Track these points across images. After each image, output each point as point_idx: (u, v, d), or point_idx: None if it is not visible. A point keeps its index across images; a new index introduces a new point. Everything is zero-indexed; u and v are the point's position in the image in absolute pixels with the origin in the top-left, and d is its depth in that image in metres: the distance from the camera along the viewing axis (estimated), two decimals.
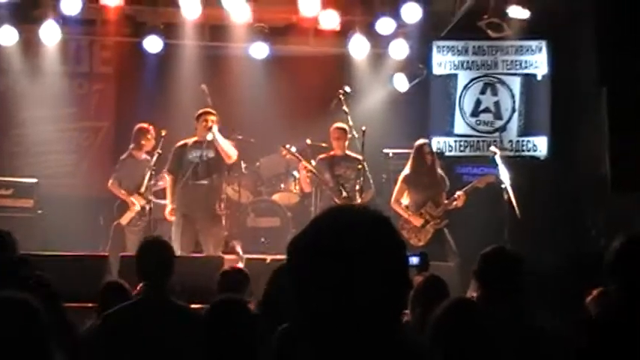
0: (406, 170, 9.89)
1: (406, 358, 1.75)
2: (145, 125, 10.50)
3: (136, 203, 10.14)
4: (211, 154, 9.74)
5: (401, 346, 1.71)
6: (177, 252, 9.20)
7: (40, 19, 11.16)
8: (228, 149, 9.77)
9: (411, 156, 9.94)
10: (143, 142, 10.40)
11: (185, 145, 9.86)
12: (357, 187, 9.90)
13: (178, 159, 9.79)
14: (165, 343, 4.52)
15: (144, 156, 10.39)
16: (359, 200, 9.72)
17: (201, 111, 9.96)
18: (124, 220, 10.26)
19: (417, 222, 9.77)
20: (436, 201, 9.80)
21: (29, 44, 11.64)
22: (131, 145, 10.49)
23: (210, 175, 9.76)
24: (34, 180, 10.89)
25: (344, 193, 9.96)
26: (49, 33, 11.24)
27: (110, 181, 10.27)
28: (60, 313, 4.54)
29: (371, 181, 10.21)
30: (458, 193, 9.79)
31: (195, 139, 9.87)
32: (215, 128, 9.66)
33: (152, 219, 10.01)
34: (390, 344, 1.68)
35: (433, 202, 9.79)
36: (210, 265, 8.58)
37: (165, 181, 10.10)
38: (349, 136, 10.24)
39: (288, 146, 10.42)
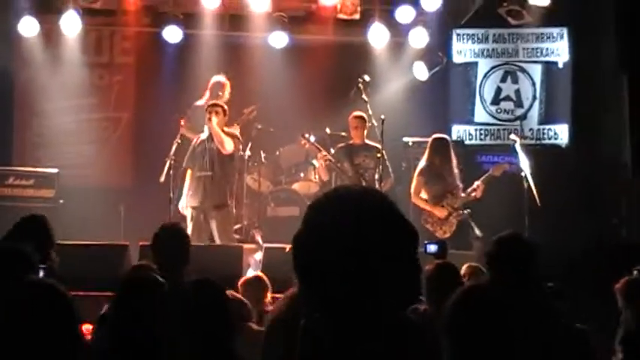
0: (422, 163, 9.81)
1: (408, 341, 1.73)
2: (223, 80, 10.55)
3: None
4: (214, 146, 9.71)
5: (403, 330, 1.69)
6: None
7: (61, 10, 11.22)
8: (222, 140, 9.63)
9: (427, 149, 9.88)
10: (220, 93, 10.47)
11: (197, 138, 9.88)
12: (377, 176, 9.89)
13: (192, 153, 9.81)
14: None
15: None
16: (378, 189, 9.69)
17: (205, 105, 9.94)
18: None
19: (441, 214, 9.68)
20: (454, 193, 9.73)
21: (50, 35, 11.70)
22: (206, 96, 10.54)
23: (213, 167, 9.70)
24: (55, 170, 10.94)
25: (363, 182, 9.94)
26: (70, 23, 11.29)
27: (183, 122, 10.04)
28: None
29: (390, 169, 10.18)
30: (476, 183, 9.71)
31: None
32: (214, 120, 9.60)
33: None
34: (395, 328, 1.67)
35: (451, 194, 9.72)
36: (229, 254, 8.62)
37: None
38: (368, 124, 10.21)
39: (307, 135, 10.41)
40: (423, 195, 9.79)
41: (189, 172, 9.86)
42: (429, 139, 9.94)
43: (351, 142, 10.32)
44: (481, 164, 11.24)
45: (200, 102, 10.63)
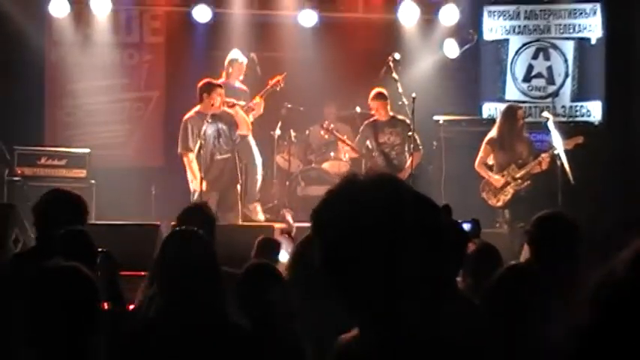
0: (492, 132, 9.77)
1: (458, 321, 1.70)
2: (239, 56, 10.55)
3: None
4: (224, 126, 9.67)
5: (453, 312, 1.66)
6: None
7: None
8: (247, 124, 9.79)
9: (498, 119, 9.87)
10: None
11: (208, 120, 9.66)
12: (406, 149, 9.90)
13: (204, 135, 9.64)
14: None
15: None
16: (407, 165, 9.85)
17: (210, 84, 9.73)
18: None
19: (497, 182, 9.66)
20: (520, 164, 9.65)
21: (80, 15, 11.77)
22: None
23: (230, 148, 9.73)
24: (87, 150, 11.00)
25: (386, 161, 9.91)
26: (100, 4, 11.39)
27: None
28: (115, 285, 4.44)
29: (419, 142, 10.05)
30: (542, 155, 9.62)
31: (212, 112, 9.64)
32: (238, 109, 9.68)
33: None
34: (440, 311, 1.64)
35: (517, 164, 9.66)
36: (260, 233, 8.59)
37: None
38: (399, 103, 10.16)
39: (327, 125, 10.40)
40: (490, 163, 9.79)
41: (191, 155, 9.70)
42: (502, 109, 9.98)
43: (376, 118, 10.24)
44: None
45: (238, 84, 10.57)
